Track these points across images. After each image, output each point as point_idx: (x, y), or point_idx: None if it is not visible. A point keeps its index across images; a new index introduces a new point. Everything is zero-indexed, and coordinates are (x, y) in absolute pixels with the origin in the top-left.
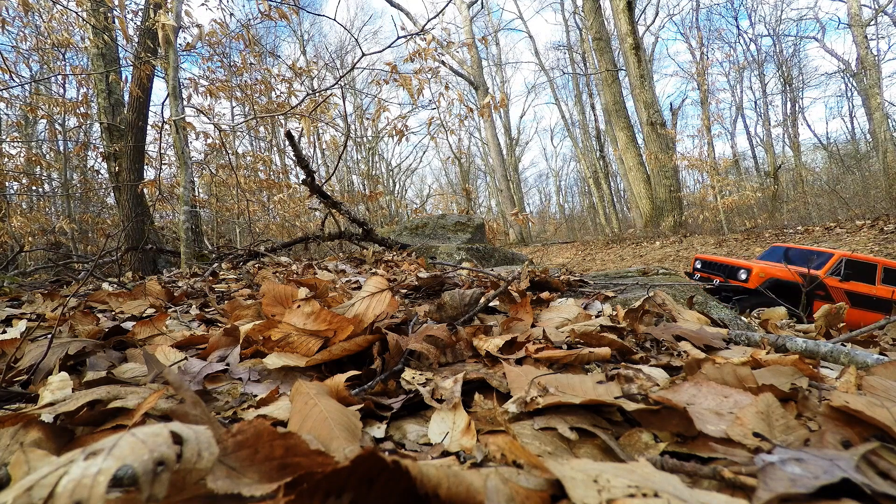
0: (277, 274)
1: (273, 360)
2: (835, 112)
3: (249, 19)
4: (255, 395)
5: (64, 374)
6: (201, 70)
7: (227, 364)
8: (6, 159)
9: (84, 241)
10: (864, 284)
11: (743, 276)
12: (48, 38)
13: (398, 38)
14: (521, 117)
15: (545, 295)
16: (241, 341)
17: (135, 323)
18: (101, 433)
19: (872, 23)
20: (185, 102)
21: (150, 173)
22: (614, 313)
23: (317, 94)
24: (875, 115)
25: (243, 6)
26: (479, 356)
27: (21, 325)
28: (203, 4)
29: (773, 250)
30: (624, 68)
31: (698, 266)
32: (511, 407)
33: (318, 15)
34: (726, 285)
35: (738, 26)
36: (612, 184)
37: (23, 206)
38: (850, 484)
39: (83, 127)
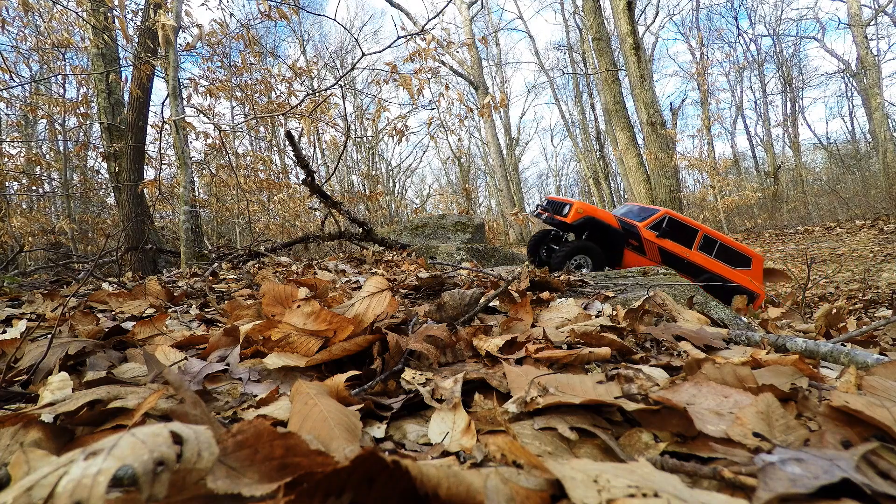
0: (277, 274)
1: (273, 360)
2: (835, 112)
3: (249, 19)
4: (255, 395)
5: (64, 374)
6: (201, 70)
7: (227, 364)
8: (6, 159)
9: (84, 241)
10: (680, 246)
11: (565, 211)
12: (48, 38)
13: (398, 38)
14: (521, 117)
15: (545, 295)
16: (241, 341)
17: (135, 323)
18: (101, 433)
19: (872, 23)
20: (185, 102)
21: (150, 173)
22: (614, 313)
23: (317, 94)
24: (875, 115)
25: (243, 6)
26: (479, 356)
27: (21, 325)
28: (203, 4)
29: (630, 208)
30: (624, 68)
31: (544, 205)
32: (511, 407)
33: (318, 15)
34: (551, 219)
35: (738, 26)
36: (612, 184)
37: (23, 206)
38: (850, 484)
39: (83, 127)
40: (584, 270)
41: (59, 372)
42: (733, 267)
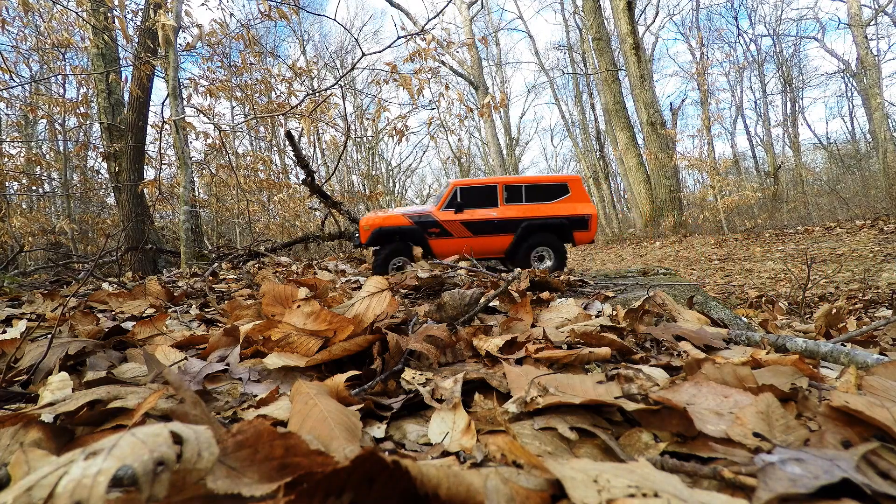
0: (277, 274)
1: (273, 360)
2: (835, 112)
3: (249, 19)
4: (255, 395)
5: (64, 374)
6: (201, 70)
7: (227, 364)
8: (6, 159)
9: (84, 241)
10: (485, 209)
11: (357, 238)
12: (48, 38)
13: (398, 38)
14: (521, 117)
15: (545, 295)
16: (241, 341)
17: (135, 323)
18: (101, 433)
19: (872, 23)
20: (185, 102)
21: (150, 173)
22: (614, 313)
23: (317, 94)
24: (875, 115)
25: (243, 6)
26: (479, 356)
27: (21, 325)
28: (203, 4)
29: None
30: (624, 68)
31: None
32: (511, 407)
33: (318, 15)
34: (358, 246)
35: (738, 26)
36: (612, 184)
37: (23, 206)
38: (850, 484)
39: (83, 127)
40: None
41: (59, 372)
42: (551, 201)
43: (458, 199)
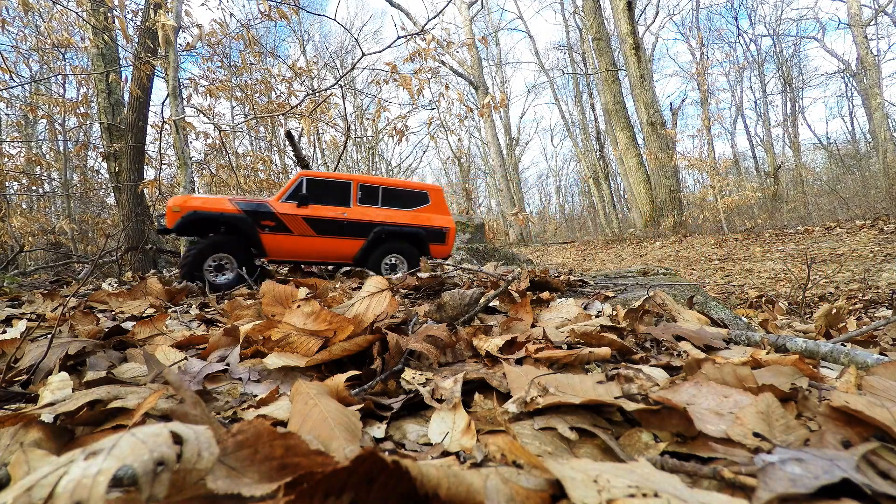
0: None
1: (273, 360)
2: (835, 112)
3: (249, 19)
4: (255, 395)
5: (64, 374)
6: (201, 70)
7: (227, 364)
8: (6, 159)
9: (84, 241)
10: (335, 208)
11: (164, 219)
12: (48, 38)
13: (398, 38)
14: (521, 117)
15: (545, 295)
16: (241, 341)
17: (135, 323)
18: (101, 433)
19: (872, 23)
20: (185, 102)
21: (150, 173)
22: (614, 313)
23: (317, 94)
24: (875, 115)
25: (243, 6)
26: (479, 356)
27: (21, 325)
28: (203, 4)
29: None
30: (624, 68)
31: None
32: (511, 407)
33: (319, 15)
34: (160, 230)
35: (738, 26)
36: (612, 184)
37: (23, 206)
38: (850, 484)
39: (83, 127)
40: (227, 276)
41: (59, 372)
42: (409, 209)
43: (304, 192)
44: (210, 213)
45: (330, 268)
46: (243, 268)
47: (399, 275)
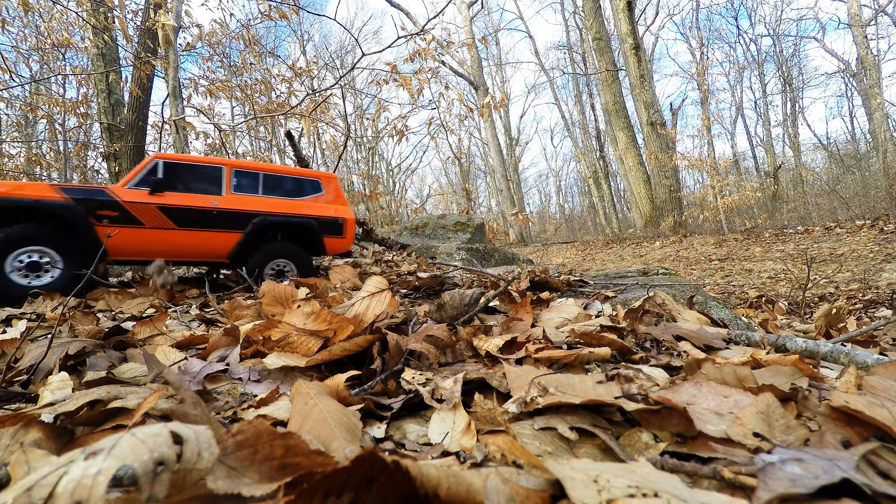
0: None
1: (273, 360)
2: (835, 112)
3: (249, 19)
4: (255, 395)
5: (64, 374)
6: (201, 70)
7: (227, 364)
8: (6, 159)
9: None
10: (201, 196)
11: None
12: (48, 38)
13: (398, 38)
14: (521, 117)
15: (545, 295)
16: (241, 341)
17: (135, 323)
18: (101, 433)
19: (872, 23)
20: (185, 102)
21: None
22: (614, 313)
23: (317, 94)
24: (875, 115)
25: (243, 6)
26: (479, 356)
27: (21, 325)
28: (203, 4)
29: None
30: (624, 68)
31: None
32: (511, 407)
33: (319, 15)
34: None
35: (738, 26)
36: (612, 184)
37: None
38: (850, 484)
39: (83, 127)
40: (49, 277)
41: (59, 372)
42: (297, 198)
43: (160, 177)
44: (18, 199)
45: (196, 270)
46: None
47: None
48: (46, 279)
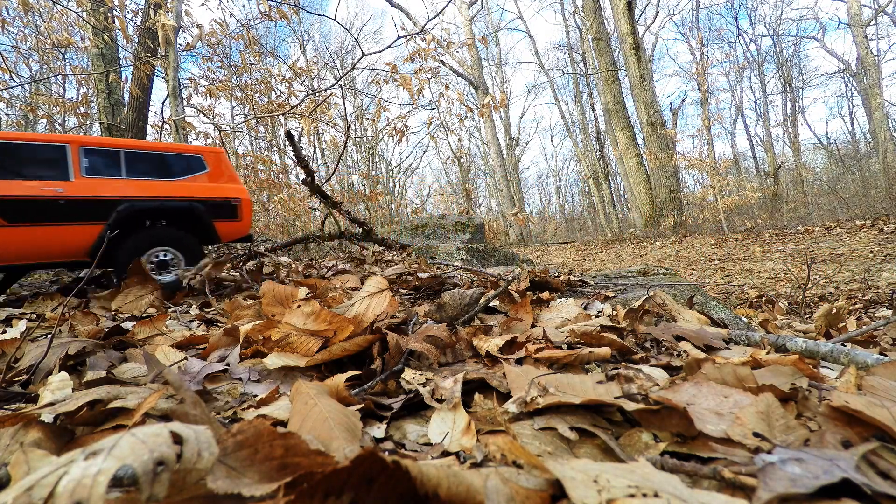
0: (275, 277)
1: (273, 360)
2: (835, 112)
3: (249, 19)
4: (255, 395)
5: (64, 374)
6: (201, 70)
7: (227, 364)
8: None
9: None
10: (35, 182)
11: None
12: (48, 38)
13: (398, 38)
14: (521, 117)
15: (545, 295)
16: (241, 341)
17: (135, 323)
18: (101, 433)
19: (872, 23)
20: (185, 102)
21: None
22: (614, 313)
23: (317, 94)
24: (875, 115)
25: (243, 6)
26: (479, 356)
27: (21, 325)
28: (203, 4)
29: None
30: (624, 68)
31: None
32: (511, 407)
33: (319, 15)
34: None
35: (738, 26)
36: (612, 184)
37: None
38: (850, 484)
39: (83, 127)
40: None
41: (59, 372)
42: (174, 178)
43: None
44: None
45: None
46: None
47: (172, 277)
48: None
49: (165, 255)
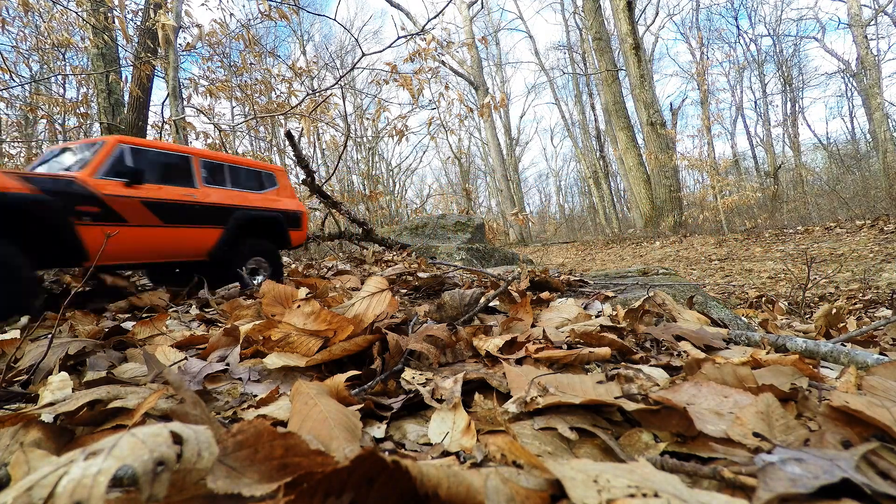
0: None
1: (273, 360)
2: (835, 112)
3: (249, 19)
4: (255, 395)
5: (64, 374)
6: (201, 70)
7: (227, 364)
8: (6, 159)
9: None
10: (180, 188)
11: None
12: (48, 38)
13: (398, 38)
14: (521, 117)
15: (545, 295)
16: (241, 341)
17: (135, 323)
18: (101, 433)
19: (872, 23)
20: (185, 102)
21: None
22: (614, 313)
23: (317, 94)
24: (875, 115)
25: (243, 6)
26: (479, 356)
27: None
28: (203, 4)
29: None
30: (624, 68)
31: None
32: (511, 407)
33: (318, 15)
34: None
35: (738, 26)
36: (612, 184)
37: None
38: (850, 484)
39: (83, 127)
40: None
41: (59, 372)
42: (259, 191)
43: (128, 164)
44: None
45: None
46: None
47: (260, 279)
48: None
49: (256, 266)
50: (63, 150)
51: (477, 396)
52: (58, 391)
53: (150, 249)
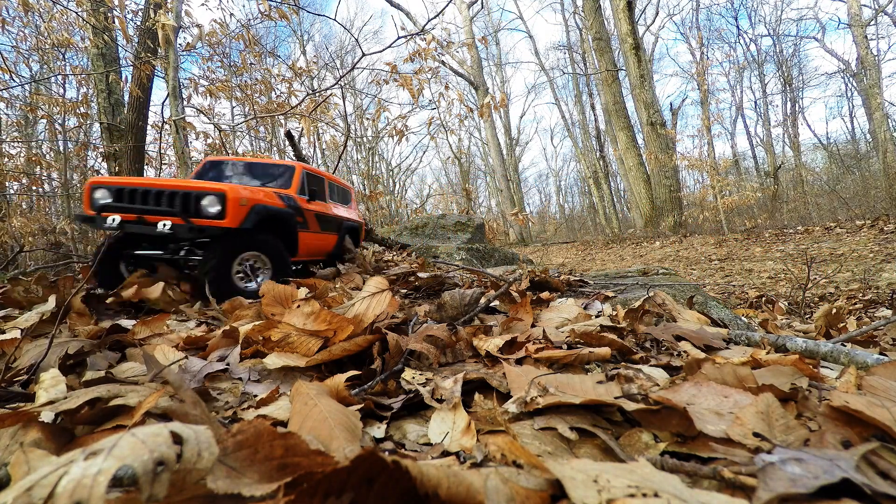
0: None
1: (273, 361)
2: (835, 112)
3: (249, 19)
4: (255, 395)
5: (55, 371)
6: (201, 70)
7: (227, 364)
8: (6, 159)
9: (84, 241)
10: (324, 203)
11: (214, 209)
12: (48, 38)
13: (398, 38)
14: (521, 117)
15: (545, 295)
16: (241, 341)
17: (135, 322)
18: (101, 433)
19: (872, 23)
20: (185, 102)
21: (150, 173)
22: (614, 313)
23: (317, 94)
24: (875, 115)
25: (243, 6)
26: (479, 356)
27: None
28: (203, 4)
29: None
30: (624, 68)
31: (102, 199)
32: (511, 407)
33: (319, 15)
34: (186, 229)
35: (738, 26)
36: (612, 184)
37: (23, 206)
38: (850, 484)
39: (83, 127)
40: (261, 279)
41: (51, 369)
42: (346, 204)
43: (309, 186)
44: (275, 208)
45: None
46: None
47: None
48: (258, 280)
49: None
50: (246, 166)
51: (477, 396)
52: (51, 388)
53: (314, 249)
